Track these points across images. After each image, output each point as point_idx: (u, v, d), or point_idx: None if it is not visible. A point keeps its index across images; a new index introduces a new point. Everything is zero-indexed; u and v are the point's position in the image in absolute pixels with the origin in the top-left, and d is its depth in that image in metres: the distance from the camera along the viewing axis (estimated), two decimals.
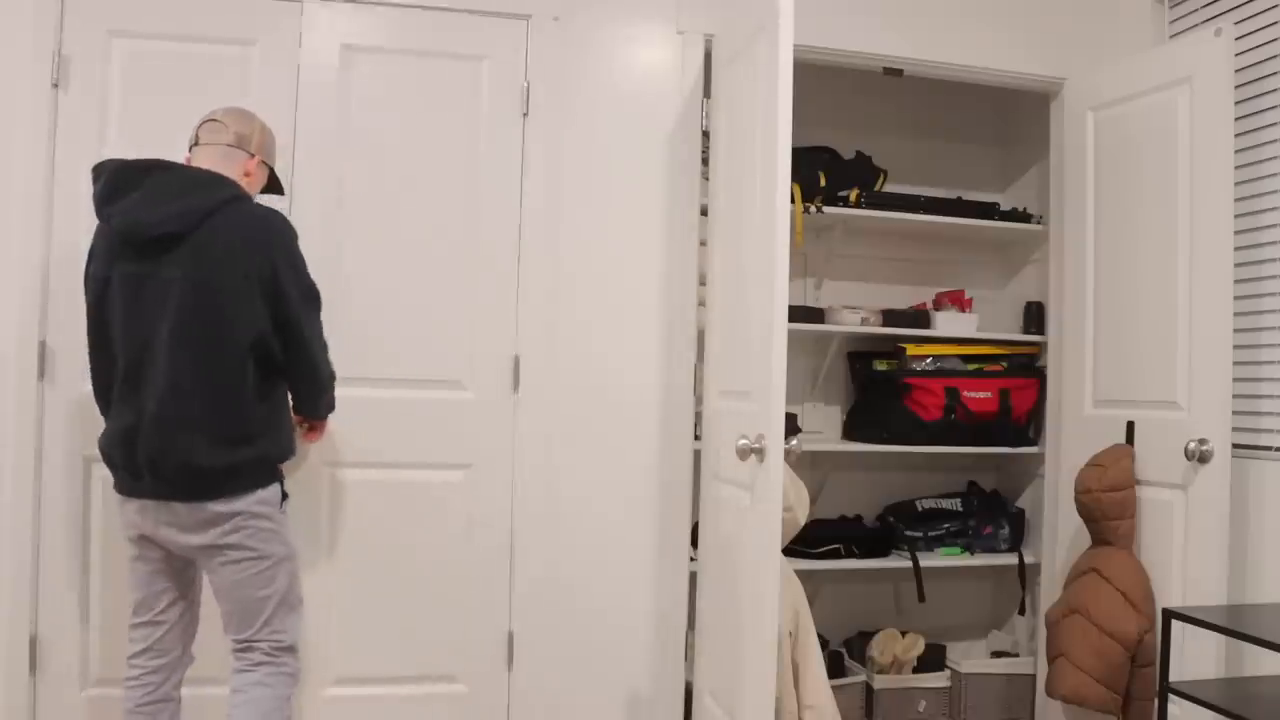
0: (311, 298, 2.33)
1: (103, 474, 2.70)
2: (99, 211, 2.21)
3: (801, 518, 2.69)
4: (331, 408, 2.54)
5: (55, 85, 2.68)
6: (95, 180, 2.24)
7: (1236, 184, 2.87)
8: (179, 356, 2.16)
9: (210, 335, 2.17)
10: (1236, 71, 2.90)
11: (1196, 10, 3.13)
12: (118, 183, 2.20)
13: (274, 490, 2.29)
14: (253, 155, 2.38)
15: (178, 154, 2.74)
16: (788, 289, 2.36)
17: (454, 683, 2.91)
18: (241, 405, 2.20)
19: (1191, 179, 2.82)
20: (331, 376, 2.47)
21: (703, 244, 3.03)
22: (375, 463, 2.86)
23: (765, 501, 2.35)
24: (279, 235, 2.26)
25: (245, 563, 2.24)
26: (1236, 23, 2.92)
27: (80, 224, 2.70)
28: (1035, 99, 3.52)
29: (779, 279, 2.34)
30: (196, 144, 2.35)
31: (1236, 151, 2.87)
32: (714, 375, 2.89)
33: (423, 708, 2.89)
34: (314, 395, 2.45)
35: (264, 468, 2.26)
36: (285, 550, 2.31)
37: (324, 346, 2.40)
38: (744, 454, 2.40)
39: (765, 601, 2.33)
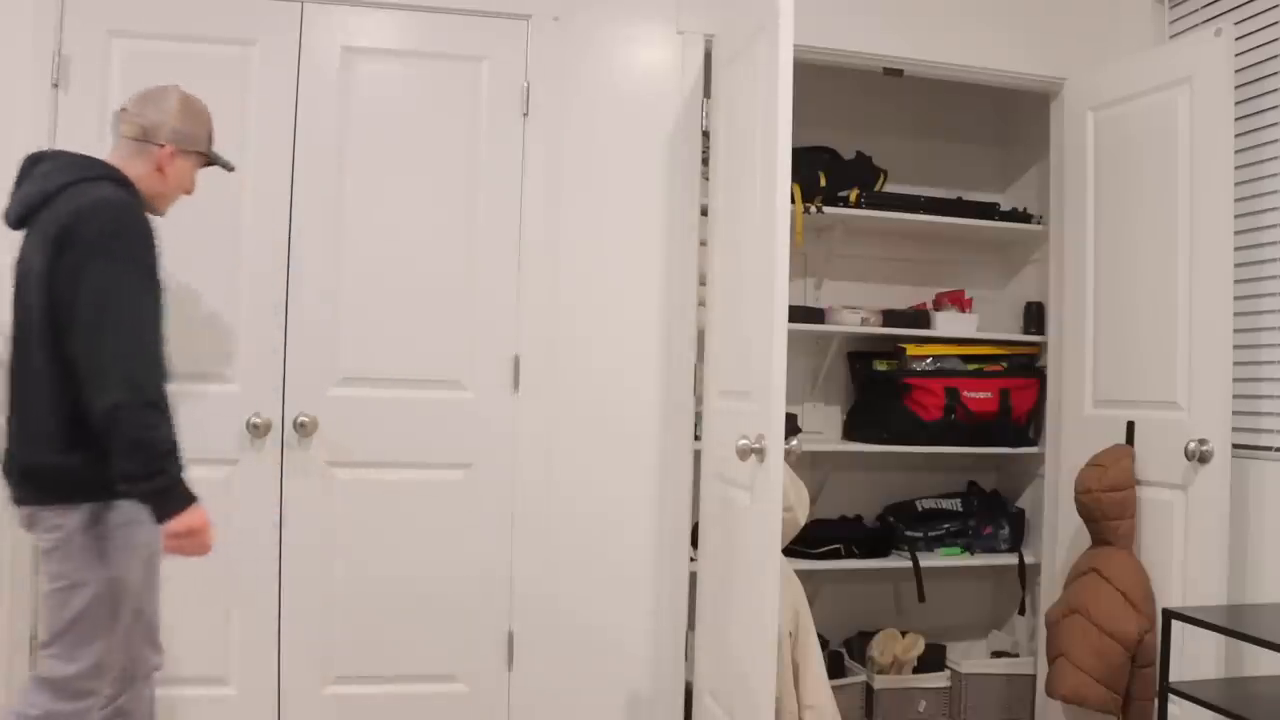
0: (112, 292, 1.94)
1: None
2: None
3: (802, 518, 2.69)
4: (161, 481, 1.97)
5: (55, 85, 2.68)
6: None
7: (1236, 184, 2.87)
8: (22, 345, 2.04)
9: (23, 325, 2.04)
10: (1236, 71, 2.90)
11: (1196, 10, 3.13)
12: (19, 173, 2.14)
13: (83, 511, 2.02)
14: (163, 145, 2.17)
15: None
16: (788, 289, 2.36)
17: (454, 683, 2.91)
18: (53, 407, 1.99)
19: (1191, 179, 2.82)
20: (150, 406, 1.94)
21: (703, 244, 3.03)
22: (375, 463, 2.86)
23: (765, 501, 2.35)
24: (87, 214, 1.96)
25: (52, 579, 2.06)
26: (1236, 23, 2.92)
27: None
28: (1035, 99, 3.52)
29: (779, 279, 2.34)
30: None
31: (1236, 151, 2.87)
32: (714, 375, 2.89)
33: (423, 708, 2.89)
34: (108, 438, 1.91)
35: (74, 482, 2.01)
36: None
37: (139, 362, 1.94)
38: (744, 454, 2.40)
39: (765, 601, 2.33)
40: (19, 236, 2.10)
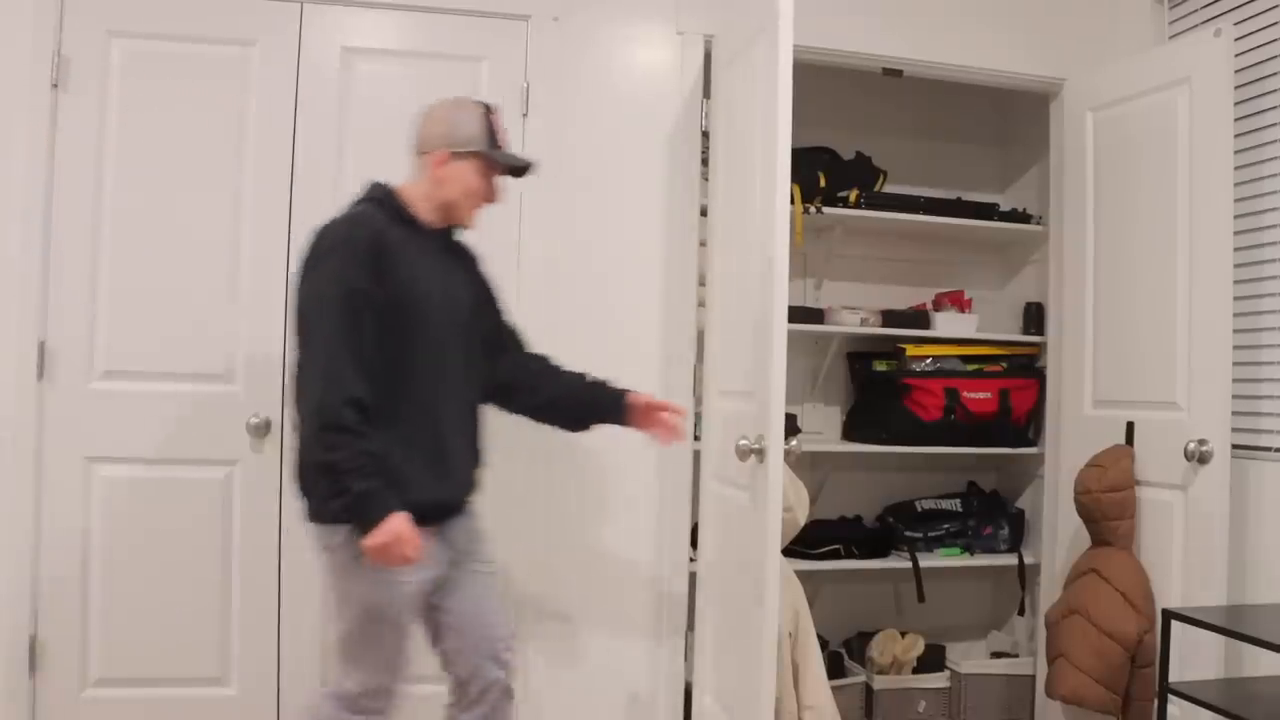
0: (303, 315, 2.01)
1: (103, 474, 2.71)
2: None
3: (801, 518, 2.69)
4: (346, 500, 1.95)
5: (55, 85, 2.68)
6: None
7: (1236, 184, 2.87)
8: None
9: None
10: (1236, 72, 2.90)
11: (1196, 10, 3.13)
12: None
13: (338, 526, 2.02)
14: (432, 154, 2.16)
15: (176, 153, 2.76)
16: (788, 289, 2.36)
17: None
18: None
19: (1191, 179, 2.82)
20: (327, 429, 1.94)
21: (702, 244, 3.03)
22: None
23: (765, 502, 2.35)
24: (318, 235, 2.08)
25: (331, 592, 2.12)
26: (1236, 23, 2.92)
27: (80, 224, 2.70)
28: (1035, 99, 3.52)
29: (779, 280, 2.34)
30: None
31: (1236, 152, 2.87)
32: (713, 375, 2.89)
33: (423, 707, 2.89)
34: (306, 449, 2.01)
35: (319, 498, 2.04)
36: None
37: (320, 383, 1.95)
38: (744, 454, 2.40)
39: (765, 602, 2.33)
40: None
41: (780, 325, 2.34)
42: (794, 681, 2.62)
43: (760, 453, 2.37)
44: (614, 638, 2.98)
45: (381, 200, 2.15)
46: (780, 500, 2.36)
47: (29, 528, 2.66)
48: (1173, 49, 2.96)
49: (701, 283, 3.02)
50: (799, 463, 3.68)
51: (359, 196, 2.18)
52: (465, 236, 2.31)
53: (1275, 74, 2.86)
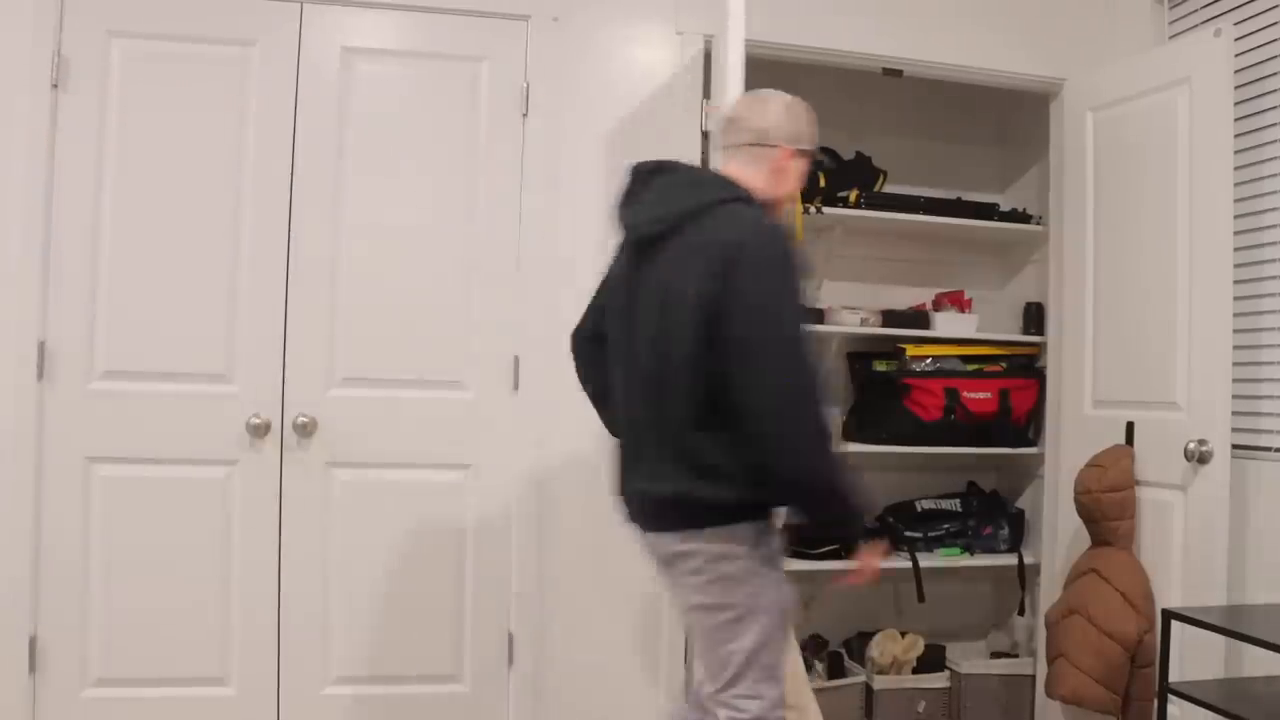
0: (770, 327, 1.81)
1: (103, 474, 2.71)
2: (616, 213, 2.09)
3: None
4: (823, 509, 1.89)
5: (55, 85, 2.68)
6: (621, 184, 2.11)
7: (1236, 184, 2.87)
8: (637, 368, 1.96)
9: (660, 348, 1.91)
10: (1236, 72, 2.90)
11: (1196, 10, 3.13)
12: (633, 185, 2.05)
13: (740, 531, 1.91)
14: (779, 146, 2.03)
15: (176, 153, 2.76)
16: None
17: (454, 683, 2.91)
18: (699, 435, 1.88)
19: (1191, 179, 2.82)
20: (805, 452, 1.81)
21: None
22: (375, 463, 2.86)
23: None
24: (753, 243, 1.84)
25: (701, 610, 1.96)
26: (1236, 23, 2.92)
27: (80, 224, 2.70)
28: (1035, 99, 3.52)
29: None
30: (719, 147, 2.10)
31: (1236, 152, 2.87)
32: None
33: (423, 708, 2.89)
34: (774, 469, 1.84)
35: (731, 506, 1.90)
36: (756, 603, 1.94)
37: (790, 399, 1.80)
38: None
39: None
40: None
41: None
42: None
43: None
44: (614, 637, 2.98)
45: (751, 200, 1.96)
46: None
47: (29, 528, 2.66)
48: (1173, 49, 2.95)
49: None
50: None
51: (735, 193, 1.94)
52: None
53: (1275, 74, 2.86)
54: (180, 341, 2.76)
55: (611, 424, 2.18)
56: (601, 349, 2.15)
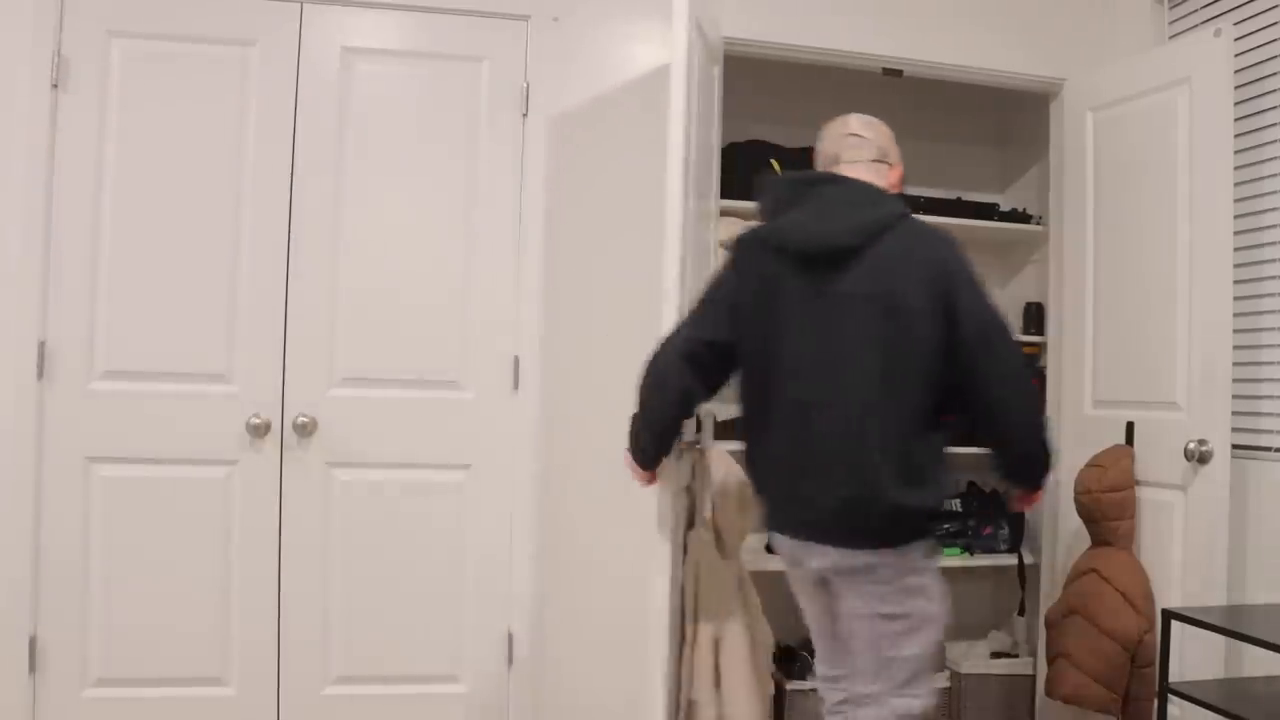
0: (996, 327, 1.98)
1: (103, 474, 2.71)
2: (764, 224, 2.09)
3: (744, 520, 2.58)
4: (1044, 470, 2.09)
5: (55, 85, 2.68)
6: (763, 191, 2.14)
7: (1236, 184, 2.87)
8: (861, 379, 1.96)
9: (895, 357, 1.95)
10: (1236, 72, 2.90)
11: (1196, 10, 3.13)
12: (787, 196, 2.08)
13: (927, 545, 2.08)
14: (894, 166, 2.18)
15: (176, 153, 2.76)
16: (677, 292, 2.31)
17: (454, 683, 2.91)
18: (915, 439, 1.97)
19: (1191, 179, 2.82)
20: (1038, 426, 2.04)
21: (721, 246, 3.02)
22: (375, 463, 2.86)
23: (660, 499, 2.33)
24: (956, 253, 2.00)
25: (890, 618, 2.06)
26: (1236, 23, 2.92)
27: (80, 224, 2.70)
28: (1035, 99, 3.52)
29: (670, 280, 2.32)
30: (836, 161, 2.14)
31: (1236, 152, 2.87)
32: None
33: (423, 708, 2.89)
34: (1009, 445, 2.04)
35: (924, 517, 2.03)
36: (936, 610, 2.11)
37: (1021, 390, 2.00)
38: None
39: (656, 599, 2.33)
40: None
41: (670, 320, 2.30)
42: (715, 688, 2.54)
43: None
44: (614, 637, 2.98)
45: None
46: (667, 493, 2.30)
47: (29, 528, 2.66)
48: (1173, 49, 2.95)
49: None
50: None
51: (905, 207, 2.05)
52: None
53: (1275, 74, 2.85)
54: (180, 341, 2.76)
55: (755, 432, 2.11)
56: (725, 358, 2.11)
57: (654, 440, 2.15)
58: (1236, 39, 2.87)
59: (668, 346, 2.13)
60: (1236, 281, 2.82)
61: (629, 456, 2.22)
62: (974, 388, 1.98)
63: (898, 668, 2.06)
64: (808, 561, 2.11)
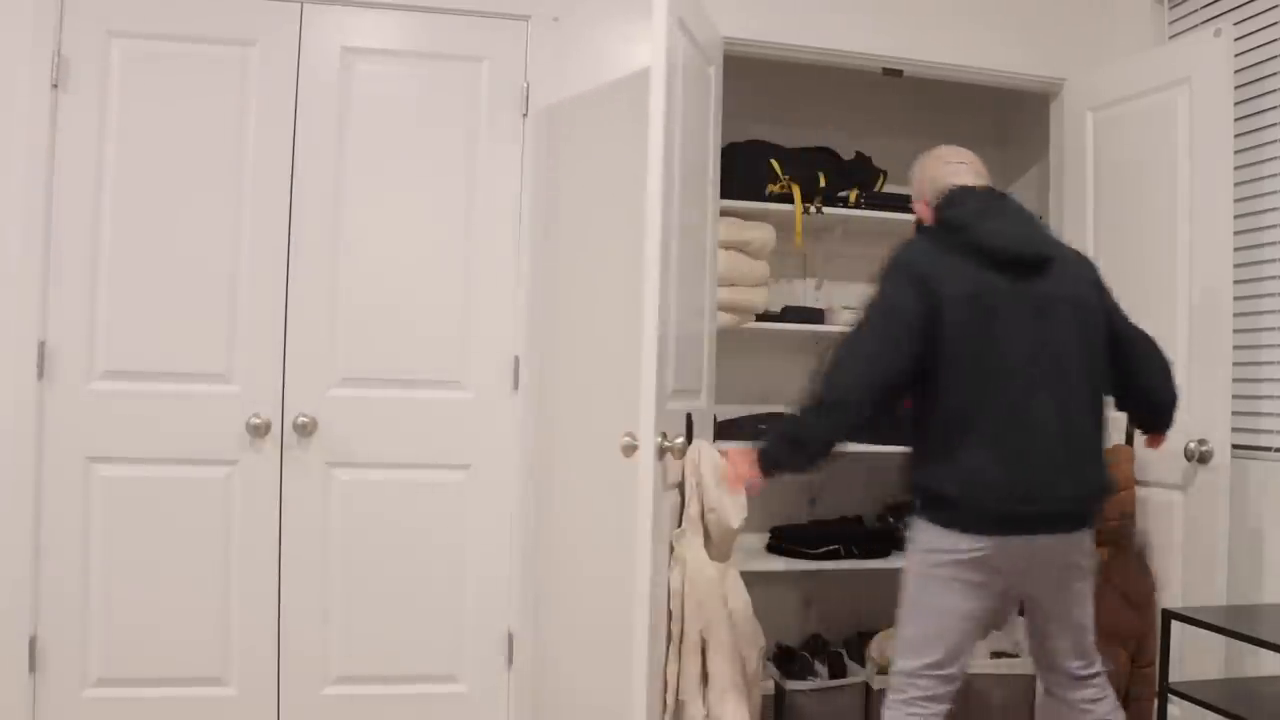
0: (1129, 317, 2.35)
1: (103, 474, 2.71)
2: (962, 230, 2.14)
3: (733, 520, 2.58)
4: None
5: (55, 85, 2.69)
6: (952, 204, 2.19)
7: (1236, 184, 2.87)
8: (1075, 376, 2.12)
9: (1090, 354, 2.16)
10: (1236, 72, 2.90)
11: (1196, 10, 3.13)
12: (986, 206, 2.18)
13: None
14: None
15: (176, 153, 2.76)
16: (657, 289, 2.34)
17: (454, 683, 2.91)
18: (1103, 426, 2.22)
19: (1191, 180, 2.82)
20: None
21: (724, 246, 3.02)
22: (375, 463, 2.86)
23: (641, 498, 2.33)
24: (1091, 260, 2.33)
25: (1086, 585, 2.23)
26: (1236, 23, 2.92)
27: (80, 224, 2.70)
28: (1035, 99, 3.52)
29: (650, 280, 2.36)
30: (961, 182, 2.24)
31: (1236, 152, 2.87)
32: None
33: (423, 708, 2.90)
34: (1168, 408, 2.37)
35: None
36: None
37: (1166, 358, 2.36)
38: (627, 451, 2.39)
39: (639, 596, 2.32)
40: None
41: (651, 326, 2.33)
42: (703, 688, 2.54)
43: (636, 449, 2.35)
44: (614, 637, 2.98)
45: None
46: (650, 493, 2.32)
47: (29, 528, 2.66)
48: (1173, 49, 2.95)
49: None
50: None
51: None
52: None
53: (1275, 74, 2.85)
54: (180, 341, 2.76)
55: (966, 436, 2.10)
56: (911, 381, 2.15)
57: (804, 458, 2.18)
58: (1236, 39, 2.87)
59: (858, 370, 2.09)
60: (1236, 282, 2.82)
61: (747, 457, 2.20)
62: (1138, 366, 2.29)
63: (1087, 636, 2.25)
64: (1022, 555, 2.13)
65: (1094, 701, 2.26)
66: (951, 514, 2.10)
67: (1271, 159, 2.85)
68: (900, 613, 2.24)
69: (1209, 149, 2.77)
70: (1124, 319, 2.30)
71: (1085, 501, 2.16)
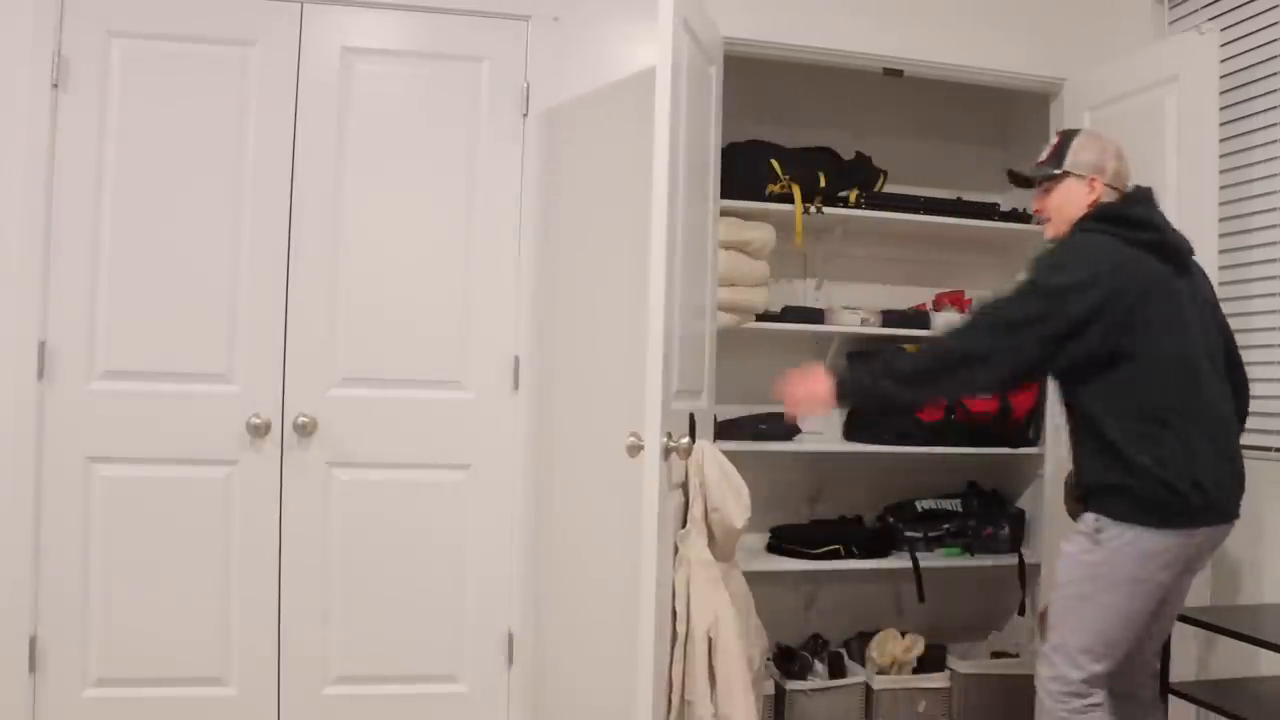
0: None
1: (103, 474, 2.71)
2: (1138, 228, 2.17)
3: (736, 520, 2.59)
4: None
5: (55, 85, 2.68)
6: (1134, 201, 2.25)
7: (1233, 185, 2.87)
8: (1220, 370, 2.22)
9: (1219, 347, 2.25)
10: (1236, 71, 2.90)
11: (1197, 10, 3.13)
12: (1150, 204, 2.26)
13: None
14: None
15: (176, 154, 2.76)
16: (663, 289, 2.31)
17: (454, 683, 2.91)
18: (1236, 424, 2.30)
19: (1179, 178, 2.82)
20: None
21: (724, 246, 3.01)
22: (375, 463, 2.86)
23: (647, 498, 2.32)
24: None
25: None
26: (1237, 23, 2.92)
27: (80, 224, 2.70)
28: (1035, 99, 3.52)
29: (656, 280, 2.32)
30: (1126, 183, 2.31)
31: (1236, 152, 2.87)
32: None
33: (423, 708, 2.89)
34: (1247, 400, 2.43)
35: None
36: None
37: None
38: (632, 451, 2.39)
39: (645, 596, 2.32)
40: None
41: (656, 330, 2.31)
42: (711, 688, 2.55)
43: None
44: (614, 637, 2.98)
45: None
46: (656, 493, 2.32)
47: (29, 528, 2.65)
48: (1161, 48, 2.95)
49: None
50: (795, 462, 3.70)
51: None
52: None
53: (1275, 74, 2.85)
54: (180, 341, 2.76)
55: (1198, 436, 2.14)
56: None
57: (895, 406, 2.32)
58: (1236, 39, 2.87)
59: (1003, 359, 2.12)
60: (1237, 282, 2.81)
61: (820, 380, 2.25)
62: (1233, 361, 2.33)
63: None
64: (1208, 545, 2.17)
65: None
66: (1174, 512, 2.08)
67: (1273, 159, 2.85)
68: (1067, 613, 2.18)
69: (1196, 146, 2.77)
70: (1224, 318, 2.35)
71: (1233, 490, 2.21)
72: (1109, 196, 2.26)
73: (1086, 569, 2.14)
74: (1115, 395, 2.12)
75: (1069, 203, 2.29)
